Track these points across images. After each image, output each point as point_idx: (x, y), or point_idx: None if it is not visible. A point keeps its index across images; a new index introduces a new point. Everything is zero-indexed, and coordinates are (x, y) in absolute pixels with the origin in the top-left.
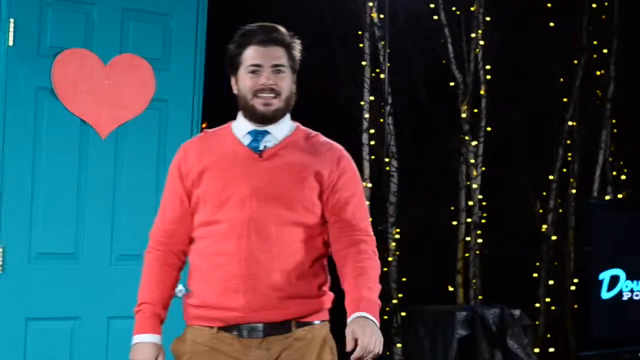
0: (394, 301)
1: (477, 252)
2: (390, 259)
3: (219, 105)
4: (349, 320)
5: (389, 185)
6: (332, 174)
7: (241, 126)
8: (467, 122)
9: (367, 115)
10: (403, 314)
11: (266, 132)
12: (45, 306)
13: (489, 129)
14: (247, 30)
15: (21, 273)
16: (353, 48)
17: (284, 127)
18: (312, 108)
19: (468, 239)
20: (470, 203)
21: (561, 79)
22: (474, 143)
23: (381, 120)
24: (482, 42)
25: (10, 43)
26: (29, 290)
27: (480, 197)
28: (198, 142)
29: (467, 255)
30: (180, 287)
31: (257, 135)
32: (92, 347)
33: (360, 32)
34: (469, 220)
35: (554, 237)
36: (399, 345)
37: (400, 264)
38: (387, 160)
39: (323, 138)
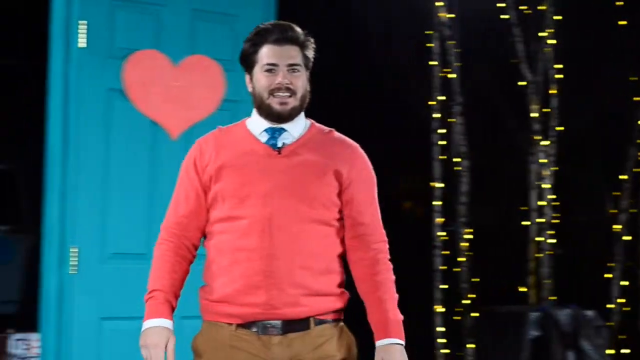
0: (466, 302)
1: (549, 252)
2: (461, 259)
3: None
4: (378, 345)
5: (459, 185)
6: (350, 172)
7: (257, 124)
8: (538, 121)
9: (436, 115)
10: (474, 314)
11: (283, 130)
12: (119, 306)
13: (560, 128)
14: (262, 29)
15: (95, 273)
16: (422, 48)
17: (300, 125)
18: (382, 108)
19: (539, 239)
20: (542, 203)
21: (633, 78)
22: (545, 143)
23: (451, 120)
24: (552, 41)
25: (82, 45)
26: (103, 290)
27: (551, 197)
28: (214, 139)
29: (538, 255)
30: None
31: (274, 133)
32: None
33: (429, 32)
34: (540, 220)
35: (627, 238)
36: (470, 346)
37: (471, 265)
38: (457, 160)
39: (337, 134)
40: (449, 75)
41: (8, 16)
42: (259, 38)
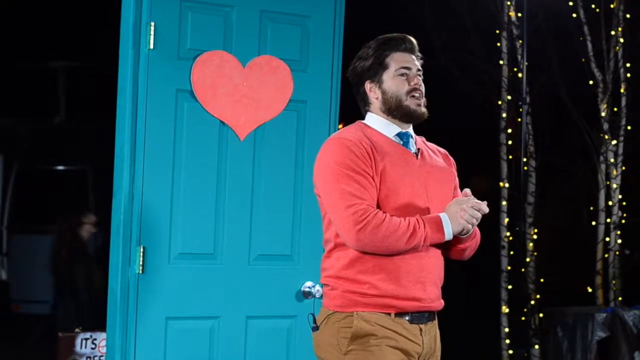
0: (532, 302)
1: (617, 252)
2: (528, 259)
3: (355, 106)
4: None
5: (527, 185)
6: (455, 175)
7: (388, 128)
8: (607, 121)
9: (504, 115)
10: (541, 315)
11: (409, 134)
12: (184, 306)
13: (629, 127)
14: (390, 38)
15: (161, 273)
16: (491, 47)
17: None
18: (450, 107)
19: (607, 239)
20: (610, 203)
21: None
22: (614, 142)
23: (519, 119)
24: (622, 40)
25: (151, 46)
26: (169, 290)
27: (620, 197)
28: (366, 140)
29: (606, 256)
30: (317, 287)
31: (406, 138)
32: (231, 347)
33: (498, 31)
34: (608, 220)
35: None
36: (536, 347)
37: (538, 265)
38: (525, 159)
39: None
40: (518, 75)
41: (80, 19)
42: (388, 46)
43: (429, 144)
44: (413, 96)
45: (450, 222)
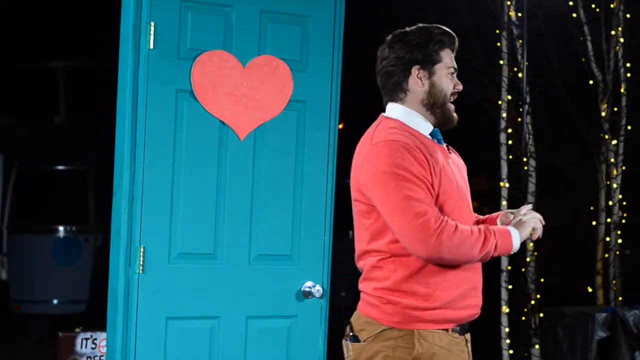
0: (533, 302)
1: (617, 252)
2: (528, 259)
3: (355, 106)
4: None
5: (527, 185)
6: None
7: (425, 124)
8: (607, 120)
9: (504, 115)
10: (541, 315)
11: (438, 131)
12: (185, 306)
13: (629, 127)
14: (447, 32)
15: (161, 273)
16: (491, 47)
17: None
18: None
19: (608, 239)
20: (610, 203)
21: None
22: (614, 142)
23: (519, 119)
24: (622, 40)
25: (151, 46)
26: (169, 289)
27: (620, 196)
28: (413, 139)
29: (606, 255)
30: (317, 287)
31: (439, 134)
32: (231, 347)
33: (498, 31)
34: (608, 220)
35: None
36: (537, 346)
37: (539, 265)
38: (525, 159)
39: None
40: (518, 75)
41: (80, 19)
42: (445, 39)
43: None
44: (452, 101)
45: (519, 234)
